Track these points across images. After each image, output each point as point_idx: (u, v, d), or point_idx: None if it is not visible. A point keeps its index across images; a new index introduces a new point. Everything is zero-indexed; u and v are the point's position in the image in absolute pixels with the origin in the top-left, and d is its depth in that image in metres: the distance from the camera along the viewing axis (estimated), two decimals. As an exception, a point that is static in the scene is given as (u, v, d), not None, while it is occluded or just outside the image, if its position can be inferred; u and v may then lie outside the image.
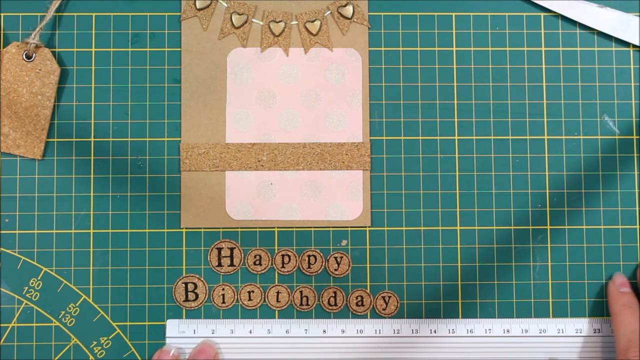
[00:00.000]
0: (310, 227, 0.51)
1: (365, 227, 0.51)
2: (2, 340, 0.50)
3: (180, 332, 0.50)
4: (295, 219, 0.51)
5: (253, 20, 0.52)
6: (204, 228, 0.51)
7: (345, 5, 0.52)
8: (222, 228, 0.51)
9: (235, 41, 0.52)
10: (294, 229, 0.51)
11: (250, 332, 0.50)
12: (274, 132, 0.51)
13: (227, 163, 0.51)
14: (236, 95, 0.51)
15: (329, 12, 0.52)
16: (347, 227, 0.51)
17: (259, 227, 0.51)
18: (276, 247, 0.51)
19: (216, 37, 0.52)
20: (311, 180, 0.51)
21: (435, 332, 0.50)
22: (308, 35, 0.51)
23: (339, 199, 0.51)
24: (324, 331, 0.50)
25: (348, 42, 0.52)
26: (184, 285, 0.51)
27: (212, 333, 0.50)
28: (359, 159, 0.51)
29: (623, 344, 0.48)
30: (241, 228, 0.51)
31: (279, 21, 0.51)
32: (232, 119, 0.51)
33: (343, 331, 0.50)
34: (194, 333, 0.50)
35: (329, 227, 0.51)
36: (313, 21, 0.52)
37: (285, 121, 0.51)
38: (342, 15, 0.52)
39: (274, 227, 0.51)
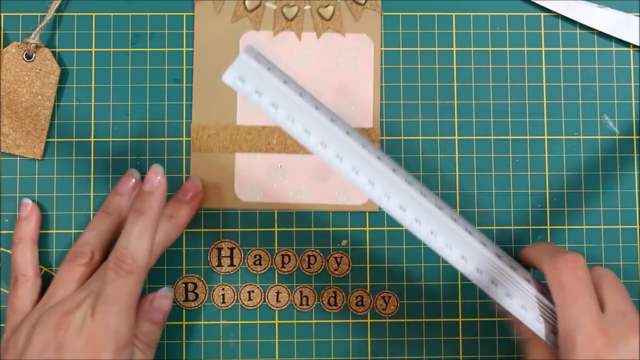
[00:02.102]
0: (311, 228, 0.51)
1: (374, 210, 0.51)
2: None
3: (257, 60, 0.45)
4: (305, 202, 0.51)
5: (266, 4, 0.52)
6: (204, 228, 0.51)
7: (358, -9, 0.52)
8: (222, 228, 0.51)
9: (248, 24, 0.52)
10: (294, 230, 0.51)
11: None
12: None
13: (237, 145, 0.51)
14: None
15: None
16: (356, 210, 0.51)
17: (259, 228, 0.51)
18: (276, 247, 0.51)
19: (229, 20, 0.52)
20: (320, 164, 0.51)
21: None
22: (321, 20, 0.51)
23: (347, 183, 0.51)
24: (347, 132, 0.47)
25: (360, 28, 0.52)
26: (184, 285, 0.51)
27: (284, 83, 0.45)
28: None
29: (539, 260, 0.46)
30: (241, 228, 0.51)
31: (292, 5, 0.51)
32: (243, 101, 0.51)
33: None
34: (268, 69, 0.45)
35: (329, 228, 0.51)
36: (326, 6, 0.52)
37: None
38: (354, 1, 0.52)
39: (273, 228, 0.51)
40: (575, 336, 0.42)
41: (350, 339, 0.51)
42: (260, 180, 0.51)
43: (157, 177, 0.45)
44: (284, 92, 0.44)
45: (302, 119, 0.44)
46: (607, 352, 0.41)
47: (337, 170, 0.44)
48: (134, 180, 0.50)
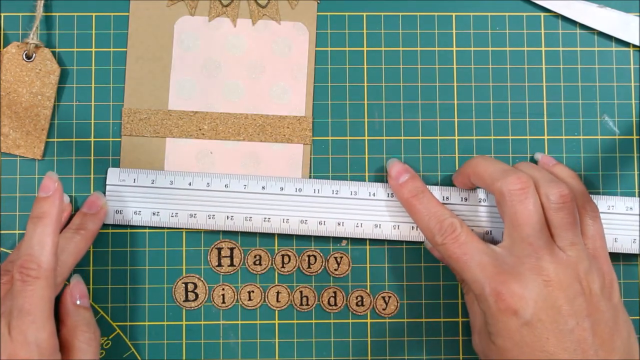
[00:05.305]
0: (310, 227, 0.51)
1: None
2: (2, 340, 0.50)
3: (121, 180, 0.50)
4: None
5: None
6: (204, 228, 0.51)
7: (292, -22, 0.52)
8: (222, 228, 0.51)
9: (183, 9, 0.52)
10: (294, 229, 0.51)
11: (190, 185, 0.50)
12: (217, 102, 0.51)
13: (168, 130, 0.51)
14: (181, 63, 0.51)
15: (277, -17, 0.52)
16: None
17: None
18: (276, 247, 0.51)
19: (165, 4, 0.52)
20: (251, 151, 0.51)
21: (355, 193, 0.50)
22: (257, 7, 0.51)
23: (278, 171, 0.51)
24: (263, 187, 0.50)
25: (296, 16, 0.52)
26: (184, 285, 0.51)
27: (152, 183, 0.50)
28: (300, 133, 0.51)
29: (428, 235, 0.47)
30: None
31: None
32: (175, 86, 0.51)
33: (282, 189, 0.50)
34: (134, 182, 0.50)
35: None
36: None
37: (229, 91, 0.51)
38: (291, -11, 0.52)
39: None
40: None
41: (350, 339, 0.51)
42: (190, 166, 0.51)
43: (53, 183, 0.45)
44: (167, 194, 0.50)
45: (206, 207, 0.50)
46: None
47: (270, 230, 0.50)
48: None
